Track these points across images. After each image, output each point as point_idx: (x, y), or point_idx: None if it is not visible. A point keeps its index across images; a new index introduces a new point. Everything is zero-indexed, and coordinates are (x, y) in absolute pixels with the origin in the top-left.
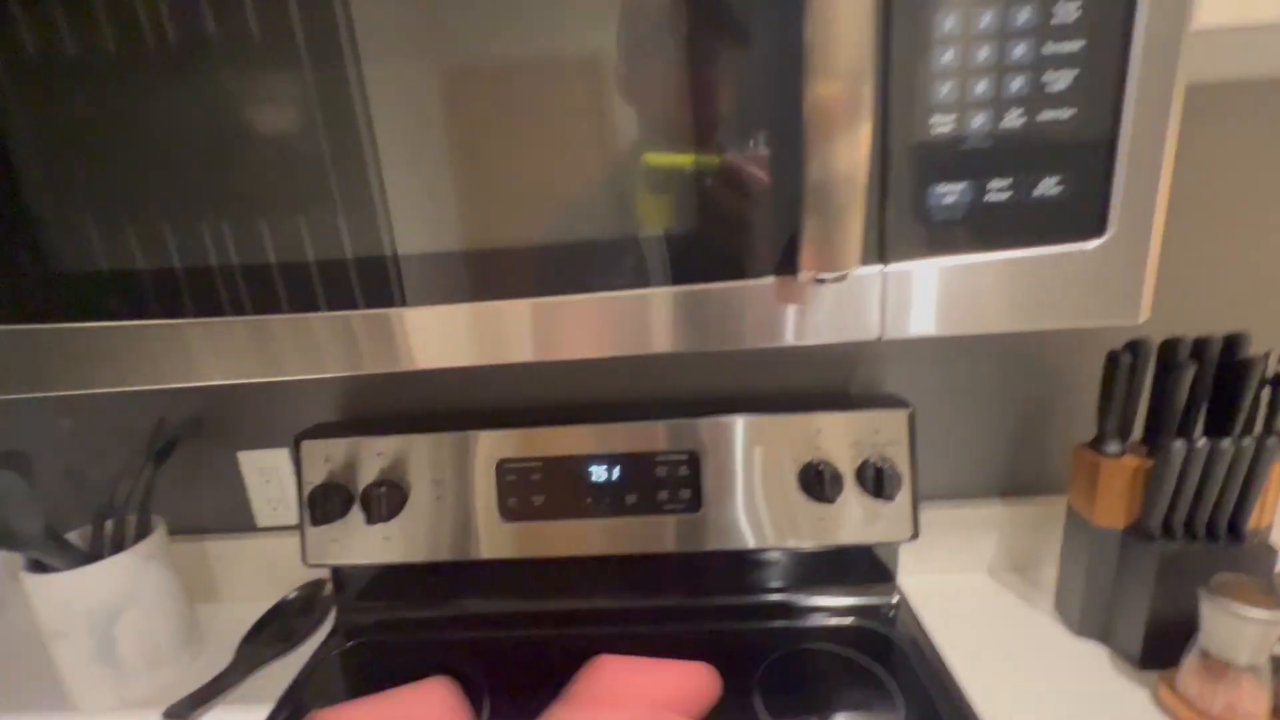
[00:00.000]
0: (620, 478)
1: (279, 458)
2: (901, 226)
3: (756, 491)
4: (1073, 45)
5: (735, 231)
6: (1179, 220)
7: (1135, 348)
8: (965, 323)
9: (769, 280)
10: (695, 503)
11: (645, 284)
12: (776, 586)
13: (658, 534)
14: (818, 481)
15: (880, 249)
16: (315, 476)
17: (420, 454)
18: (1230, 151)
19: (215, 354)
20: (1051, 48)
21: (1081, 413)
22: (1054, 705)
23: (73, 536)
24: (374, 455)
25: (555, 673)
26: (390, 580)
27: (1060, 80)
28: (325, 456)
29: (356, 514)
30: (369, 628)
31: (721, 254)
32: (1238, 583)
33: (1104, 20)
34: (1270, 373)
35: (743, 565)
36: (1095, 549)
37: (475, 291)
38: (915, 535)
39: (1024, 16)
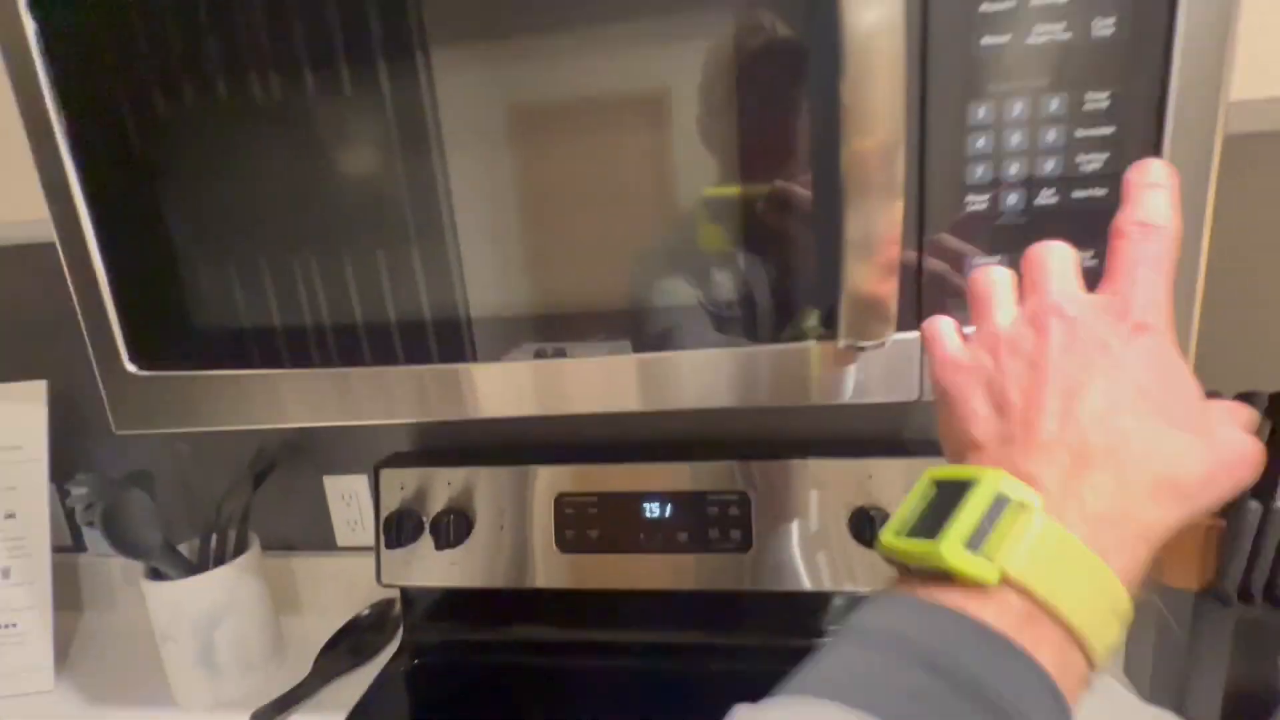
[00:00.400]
0: (673, 515)
1: (359, 483)
2: (940, 296)
3: (807, 534)
4: (1104, 130)
5: (779, 296)
6: (1241, 273)
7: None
8: None
9: (811, 344)
10: (746, 543)
11: (686, 345)
12: (828, 629)
13: (708, 571)
14: (869, 526)
15: (918, 316)
16: (391, 503)
17: (486, 485)
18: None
19: (303, 400)
20: (1083, 132)
21: None
22: None
23: (184, 548)
24: (444, 485)
25: (604, 702)
26: (454, 603)
27: (1092, 162)
28: (400, 484)
29: (427, 539)
30: (433, 647)
31: (768, 317)
32: None
33: (1134, 107)
34: None
35: (794, 607)
36: (1166, 611)
37: (539, 350)
38: None
39: (1054, 105)
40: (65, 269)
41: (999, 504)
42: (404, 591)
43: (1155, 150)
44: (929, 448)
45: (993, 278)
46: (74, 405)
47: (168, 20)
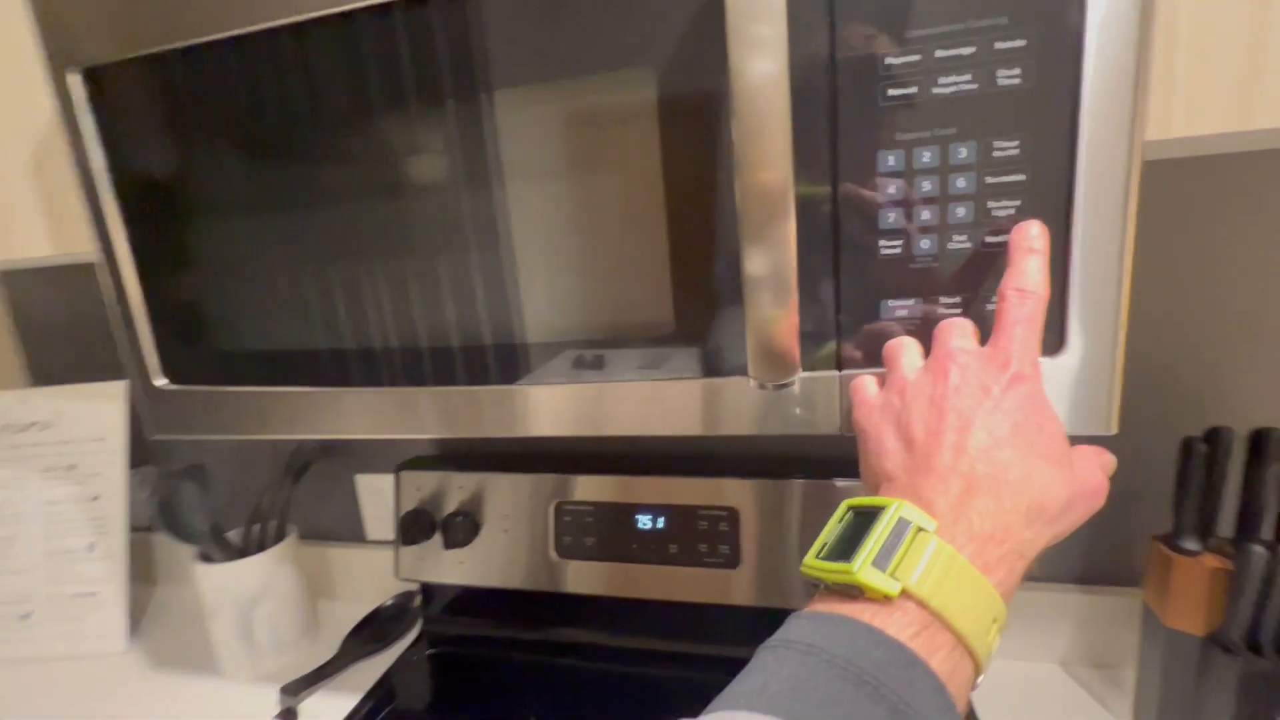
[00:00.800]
0: (665, 527)
1: (387, 481)
2: (856, 336)
3: (795, 553)
4: (1015, 177)
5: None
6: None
7: (1214, 436)
8: None
9: (735, 380)
10: (734, 558)
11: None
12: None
13: (697, 584)
14: None
15: (837, 356)
16: (409, 502)
17: (493, 491)
18: None
19: (368, 415)
20: (993, 179)
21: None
22: None
23: (232, 535)
24: (456, 488)
25: (592, 701)
26: (470, 599)
27: (1005, 209)
28: (418, 486)
29: (438, 538)
30: (449, 639)
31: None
32: None
33: (1044, 153)
34: None
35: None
36: (1171, 654)
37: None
38: None
39: (963, 154)
40: (105, 298)
41: (901, 528)
42: (425, 586)
43: (1068, 195)
44: None
45: (902, 339)
46: None
47: (213, 78)
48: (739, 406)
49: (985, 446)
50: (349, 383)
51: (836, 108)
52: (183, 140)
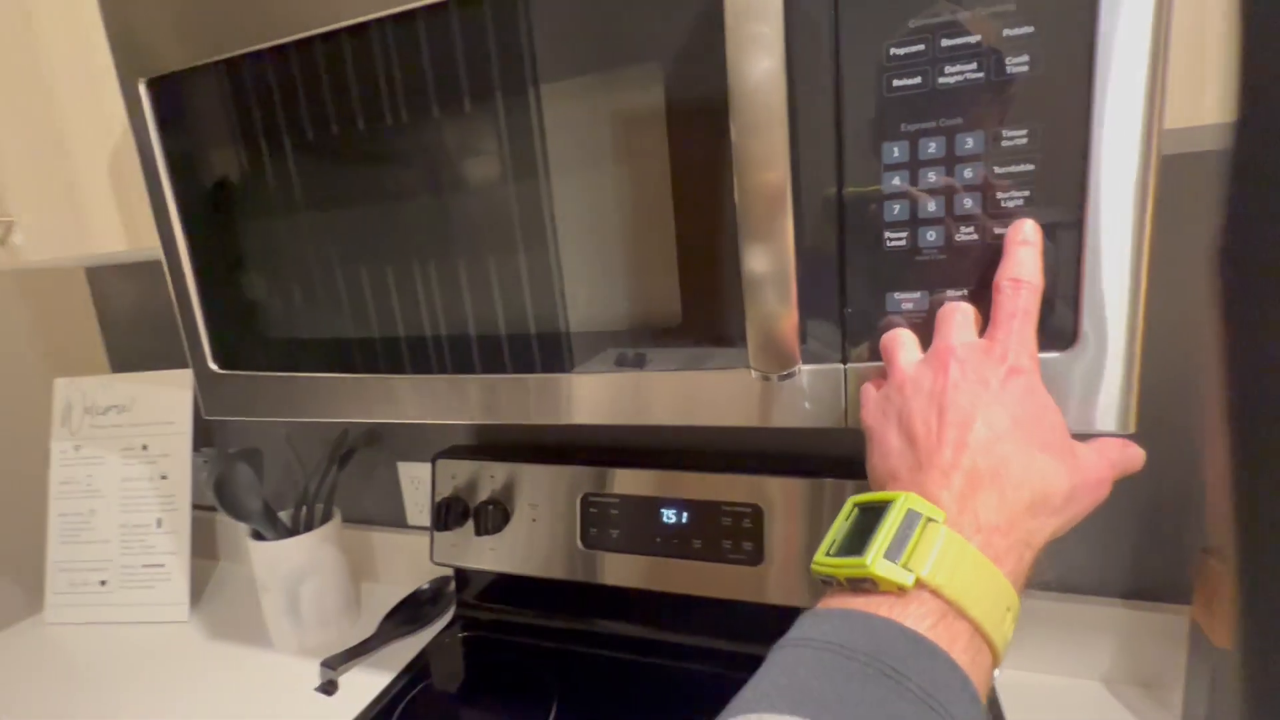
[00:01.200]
0: (688, 522)
1: (426, 470)
2: (861, 329)
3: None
4: (1024, 167)
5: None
6: None
7: None
8: None
9: (739, 372)
10: (758, 555)
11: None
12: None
13: (720, 580)
14: None
15: (842, 348)
16: (444, 490)
17: (523, 481)
18: None
19: (419, 401)
20: (1002, 169)
21: None
22: None
23: (282, 515)
24: (488, 478)
25: (619, 693)
26: (502, 586)
27: (1014, 199)
28: (452, 474)
29: (471, 525)
30: (481, 623)
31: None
32: None
33: (1055, 143)
34: None
35: None
36: (1218, 673)
37: (620, 357)
38: None
39: (970, 144)
40: (170, 288)
41: (911, 520)
42: (458, 571)
43: (1081, 184)
44: None
45: (897, 332)
46: None
47: (264, 84)
48: (744, 399)
49: (986, 440)
50: (399, 369)
51: (840, 100)
52: (236, 143)
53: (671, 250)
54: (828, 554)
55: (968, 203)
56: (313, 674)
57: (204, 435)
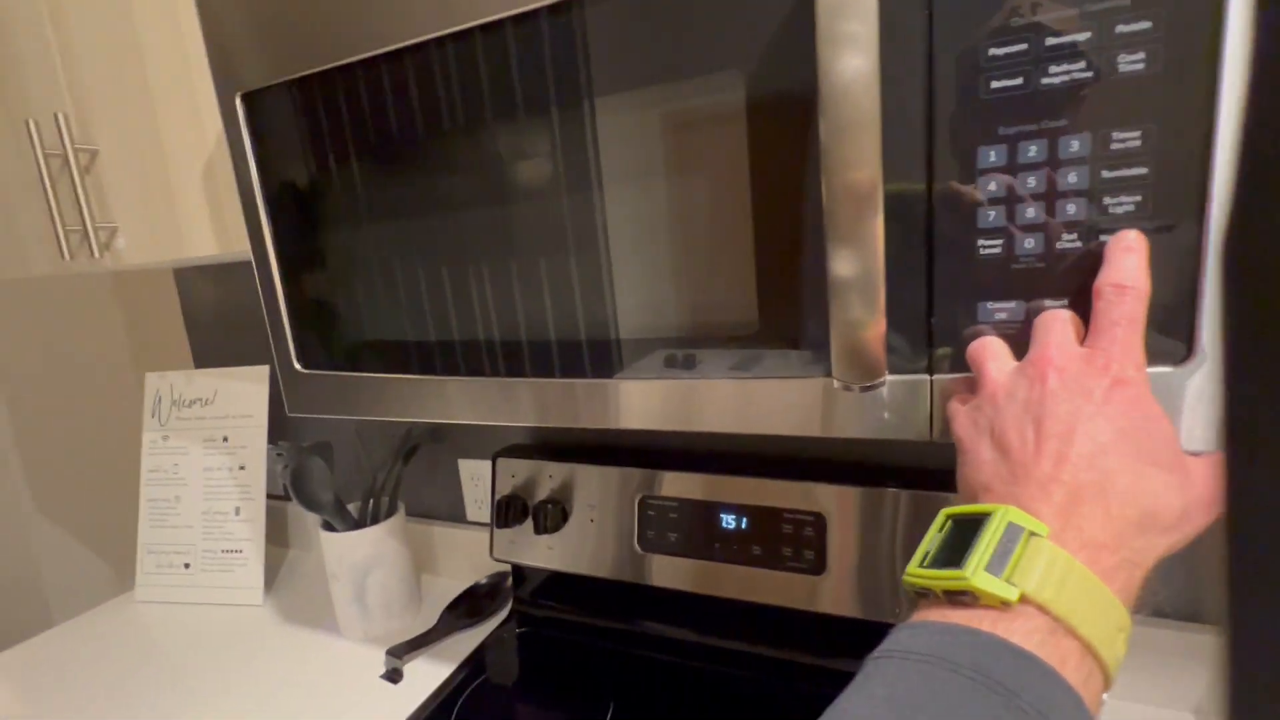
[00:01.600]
0: (748, 528)
1: (486, 467)
2: (948, 339)
3: (885, 566)
4: (1136, 170)
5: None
6: None
7: None
8: None
9: (820, 381)
10: (820, 565)
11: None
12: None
13: (779, 588)
14: None
15: (928, 359)
16: (504, 488)
17: (582, 481)
18: None
19: (470, 403)
20: (1110, 174)
21: None
22: None
23: (351, 507)
24: (547, 477)
25: (673, 697)
26: (559, 584)
27: (1123, 205)
28: (512, 473)
29: (530, 523)
30: (537, 620)
31: (792, 355)
32: None
33: (1172, 144)
34: None
35: (865, 636)
36: None
37: (670, 372)
38: None
39: (1075, 146)
40: (260, 292)
41: (1012, 533)
42: (516, 567)
43: (1201, 188)
44: None
45: (988, 339)
46: None
47: (346, 98)
48: (823, 408)
49: (1089, 453)
50: (456, 372)
51: (932, 101)
52: (318, 154)
53: (748, 256)
54: (922, 565)
55: (1071, 209)
56: (377, 661)
57: (277, 428)
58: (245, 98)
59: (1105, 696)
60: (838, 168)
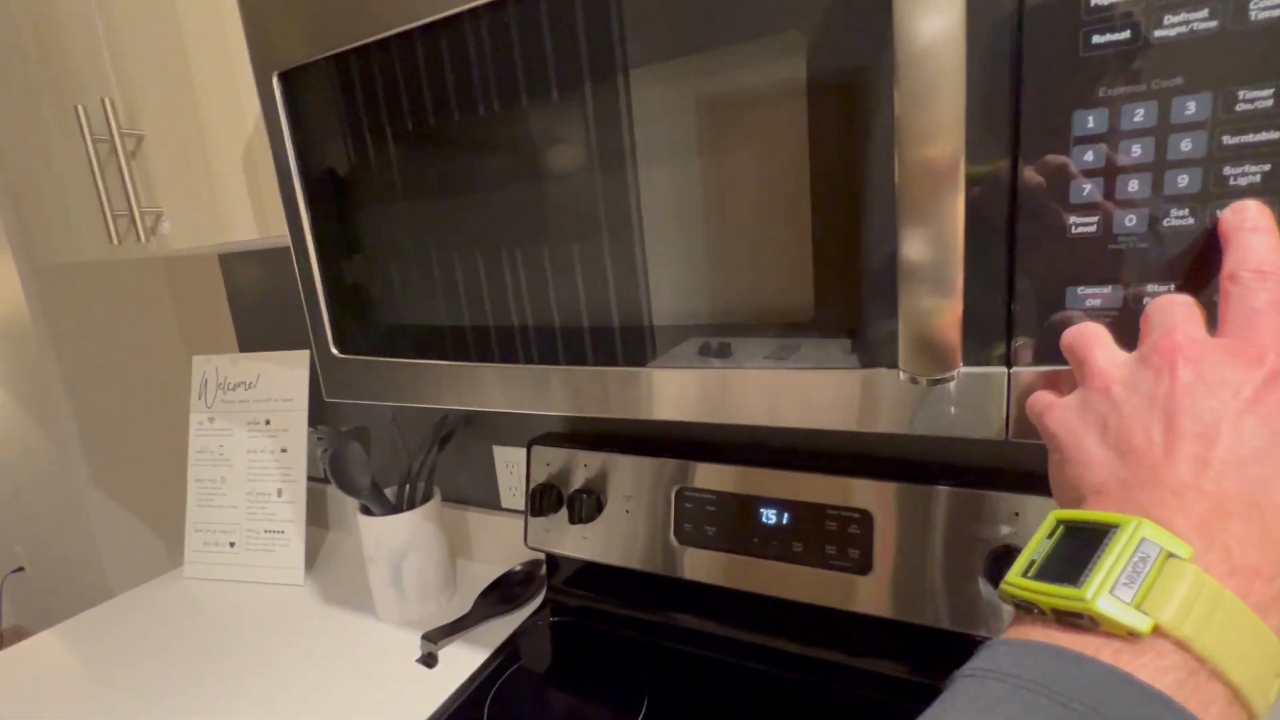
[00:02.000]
0: (789, 524)
1: (520, 455)
2: (1030, 328)
3: (935, 567)
4: (1266, 135)
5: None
6: None
7: None
8: None
9: (882, 372)
10: (865, 564)
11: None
12: (943, 670)
13: (821, 587)
14: (1008, 568)
15: (1007, 350)
16: (539, 476)
17: (617, 471)
18: None
19: (504, 390)
20: (1233, 139)
21: None
22: None
23: (388, 492)
24: (582, 466)
25: (707, 692)
26: (592, 574)
27: (1248, 175)
28: (547, 461)
29: (564, 512)
30: (571, 609)
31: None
32: None
33: None
34: None
35: (910, 640)
36: None
37: (704, 346)
38: None
39: (1191, 109)
40: (297, 276)
41: (1146, 551)
42: (550, 556)
43: None
44: None
45: (1089, 325)
46: None
47: (380, 76)
48: (885, 401)
49: (1238, 459)
50: (489, 358)
51: (1020, 62)
52: (354, 134)
53: (804, 239)
54: (1025, 574)
55: (1182, 180)
56: (412, 644)
57: (317, 412)
58: (282, 76)
59: None
60: (913, 141)
